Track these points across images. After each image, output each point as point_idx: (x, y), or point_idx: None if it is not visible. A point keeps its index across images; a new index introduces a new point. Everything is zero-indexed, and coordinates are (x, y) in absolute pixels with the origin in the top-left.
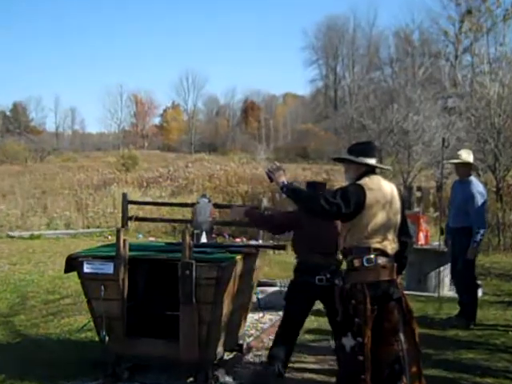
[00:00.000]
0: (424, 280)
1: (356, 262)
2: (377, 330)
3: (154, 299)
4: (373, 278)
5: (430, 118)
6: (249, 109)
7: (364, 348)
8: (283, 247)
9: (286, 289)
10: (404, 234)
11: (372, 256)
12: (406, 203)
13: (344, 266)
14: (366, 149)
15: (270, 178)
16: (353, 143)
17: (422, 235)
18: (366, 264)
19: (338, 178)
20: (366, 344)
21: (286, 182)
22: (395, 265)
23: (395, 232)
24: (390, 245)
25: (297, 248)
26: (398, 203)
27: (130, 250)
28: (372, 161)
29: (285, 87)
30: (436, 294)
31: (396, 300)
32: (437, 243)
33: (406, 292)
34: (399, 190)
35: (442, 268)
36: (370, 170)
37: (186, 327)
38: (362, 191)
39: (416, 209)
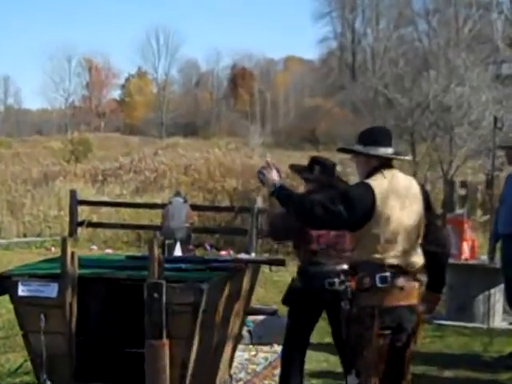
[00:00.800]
0: (469, 307)
1: (366, 282)
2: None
3: (112, 332)
4: (386, 303)
5: (479, 89)
6: (238, 78)
7: None
8: (282, 262)
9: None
10: (432, 242)
11: (387, 274)
12: (441, 203)
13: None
14: (376, 136)
15: (261, 180)
16: (362, 130)
17: (466, 246)
18: (379, 284)
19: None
20: (372, 382)
21: (278, 185)
22: (417, 285)
23: (418, 242)
24: (411, 259)
25: (300, 248)
26: (419, 204)
27: (81, 266)
28: (384, 151)
29: (286, 49)
30: (485, 326)
31: (410, 331)
32: (486, 257)
33: (444, 322)
34: (422, 185)
35: (492, 290)
36: (384, 164)
37: (153, 370)
38: (369, 193)
39: (459, 211)
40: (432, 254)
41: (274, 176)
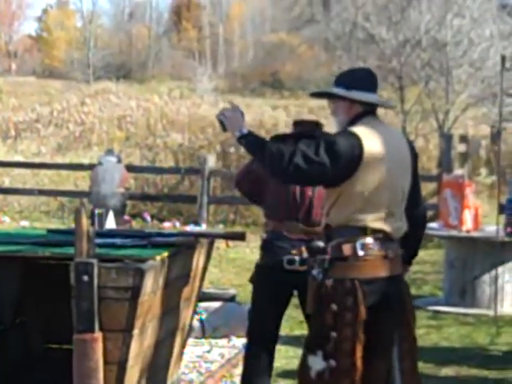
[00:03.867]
0: (472, 290)
1: (345, 249)
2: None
3: (31, 323)
4: (370, 274)
5: (481, 22)
6: (182, 8)
7: (340, 376)
8: (241, 236)
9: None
10: (414, 206)
11: (369, 240)
12: (437, 162)
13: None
14: (360, 79)
15: (222, 124)
16: (342, 72)
17: (468, 215)
18: (359, 252)
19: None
20: (348, 370)
21: (245, 131)
22: (400, 253)
23: (403, 204)
24: (396, 223)
25: (265, 216)
26: (408, 160)
27: None
28: (370, 96)
29: None
30: (491, 312)
31: (397, 305)
32: (493, 228)
33: (444, 308)
34: (410, 142)
35: (500, 269)
36: (368, 111)
37: (83, 370)
38: (356, 142)
39: (458, 171)
40: (414, 219)
41: (238, 119)
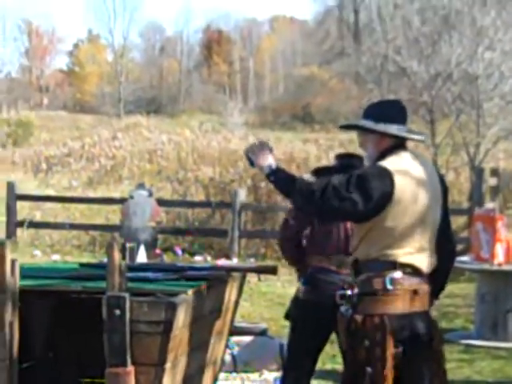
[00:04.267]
0: (504, 323)
1: (375, 283)
2: None
3: (63, 358)
4: (399, 309)
5: None
6: (213, 43)
7: None
8: (273, 270)
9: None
10: (444, 239)
11: (399, 275)
12: (468, 195)
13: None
14: (389, 111)
15: (250, 160)
16: (370, 103)
17: (499, 248)
18: (389, 286)
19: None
20: None
21: (274, 167)
22: (429, 289)
23: (433, 239)
24: (427, 258)
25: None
26: (439, 194)
27: (23, 276)
28: (399, 129)
29: (273, 7)
30: None
31: (426, 340)
32: None
33: (475, 342)
34: (440, 174)
35: None
36: (399, 144)
37: None
38: (388, 178)
39: (489, 204)
40: (443, 253)
41: (267, 156)
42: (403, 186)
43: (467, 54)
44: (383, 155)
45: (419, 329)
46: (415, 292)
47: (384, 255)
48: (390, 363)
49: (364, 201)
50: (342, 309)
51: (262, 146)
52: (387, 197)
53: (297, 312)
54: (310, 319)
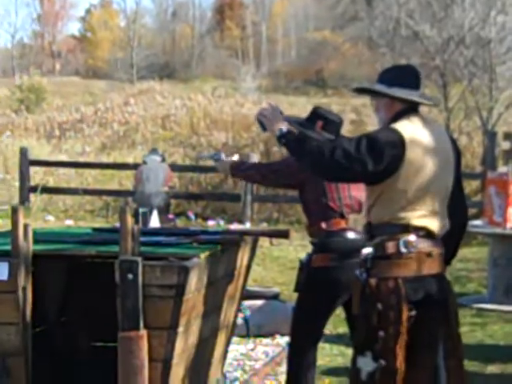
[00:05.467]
0: None
1: (389, 247)
2: (406, 347)
3: (76, 322)
4: (413, 272)
5: None
6: (225, 7)
7: (390, 376)
8: (285, 234)
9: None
10: (457, 204)
11: (413, 238)
12: (480, 159)
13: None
14: (402, 76)
15: (262, 124)
16: (385, 68)
17: None
18: (403, 249)
19: (375, 120)
20: (396, 369)
21: (285, 130)
22: (442, 251)
23: (446, 202)
24: (439, 221)
25: (311, 215)
26: (451, 158)
27: (36, 241)
28: (412, 93)
29: None
30: None
31: (440, 303)
32: None
33: (488, 306)
34: (452, 138)
35: None
36: (411, 108)
37: (128, 368)
38: (399, 140)
39: (502, 168)
40: (455, 218)
41: (279, 120)
42: (414, 148)
43: (480, 18)
44: (395, 119)
45: (433, 291)
46: (429, 254)
47: (397, 218)
48: (404, 327)
49: (374, 161)
50: (357, 272)
51: (273, 110)
52: (398, 158)
53: (309, 283)
54: (323, 288)
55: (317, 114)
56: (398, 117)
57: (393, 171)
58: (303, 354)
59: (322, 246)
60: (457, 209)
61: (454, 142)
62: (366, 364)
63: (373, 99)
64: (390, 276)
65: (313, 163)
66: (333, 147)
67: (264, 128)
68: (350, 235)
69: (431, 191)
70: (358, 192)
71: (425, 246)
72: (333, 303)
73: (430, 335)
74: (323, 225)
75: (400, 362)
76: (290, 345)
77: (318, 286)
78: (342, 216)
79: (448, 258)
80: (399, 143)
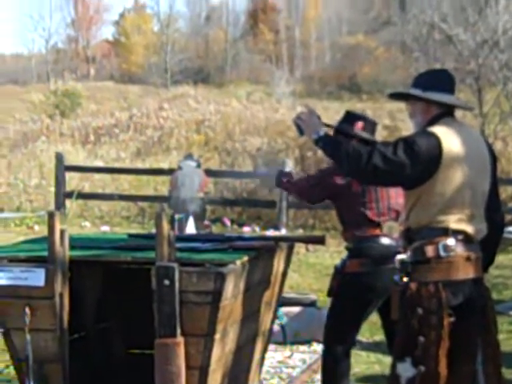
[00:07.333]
0: None
1: (428, 251)
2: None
3: (113, 328)
4: (453, 276)
5: None
6: (259, 11)
7: (430, 382)
8: (321, 240)
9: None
10: (493, 209)
11: (452, 242)
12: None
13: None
14: (437, 80)
15: (299, 128)
16: (419, 73)
17: None
18: (442, 253)
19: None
20: (438, 375)
21: (322, 133)
22: (481, 256)
23: (483, 206)
24: (477, 225)
25: (345, 222)
26: (487, 163)
27: (72, 247)
28: (447, 97)
29: None
30: None
31: (479, 308)
32: None
33: None
34: (488, 143)
35: None
36: (446, 112)
37: (165, 375)
38: (435, 142)
39: None
40: (492, 223)
41: (315, 123)
42: (451, 151)
43: None
44: (431, 123)
45: (473, 296)
46: (468, 258)
47: (435, 221)
48: (446, 332)
49: (411, 164)
50: (396, 277)
51: (310, 114)
52: (435, 160)
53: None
54: (359, 294)
55: (354, 116)
56: (434, 121)
57: (430, 174)
58: (337, 361)
59: (356, 252)
60: (493, 214)
61: (490, 146)
62: (406, 370)
63: (408, 104)
64: (430, 280)
65: (350, 166)
66: (370, 150)
67: (301, 132)
68: (385, 241)
69: (469, 195)
70: (396, 202)
71: (463, 249)
72: (365, 309)
73: (469, 341)
74: (357, 231)
75: (442, 368)
76: (324, 351)
77: (350, 292)
78: (378, 224)
79: (485, 264)
80: (436, 146)
